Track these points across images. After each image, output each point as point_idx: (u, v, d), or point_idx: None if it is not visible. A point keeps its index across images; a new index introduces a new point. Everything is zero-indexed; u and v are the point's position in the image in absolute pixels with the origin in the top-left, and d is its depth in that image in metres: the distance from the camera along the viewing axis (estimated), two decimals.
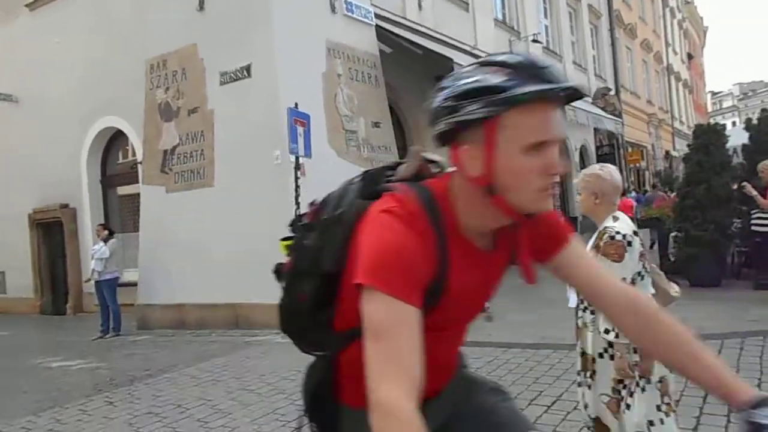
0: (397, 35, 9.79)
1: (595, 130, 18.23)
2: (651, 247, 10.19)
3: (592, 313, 2.42)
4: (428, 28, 10.92)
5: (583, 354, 2.48)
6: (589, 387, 2.44)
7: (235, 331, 7.74)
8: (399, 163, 1.17)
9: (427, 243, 0.98)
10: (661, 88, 28.87)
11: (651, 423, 2.25)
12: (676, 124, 31.25)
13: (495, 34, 13.45)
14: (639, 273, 2.35)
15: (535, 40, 14.79)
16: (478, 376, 1.39)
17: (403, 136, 11.22)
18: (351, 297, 0.98)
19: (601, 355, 2.37)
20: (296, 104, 7.33)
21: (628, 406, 2.28)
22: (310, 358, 1.25)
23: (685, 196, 7.95)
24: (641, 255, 2.35)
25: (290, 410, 4.17)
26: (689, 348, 1.06)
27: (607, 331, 2.23)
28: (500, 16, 14.21)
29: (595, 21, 20.32)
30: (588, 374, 2.45)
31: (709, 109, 57.82)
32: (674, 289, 2.55)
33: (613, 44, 20.89)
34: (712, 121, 29.86)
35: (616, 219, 2.37)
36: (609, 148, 19.98)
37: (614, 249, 2.26)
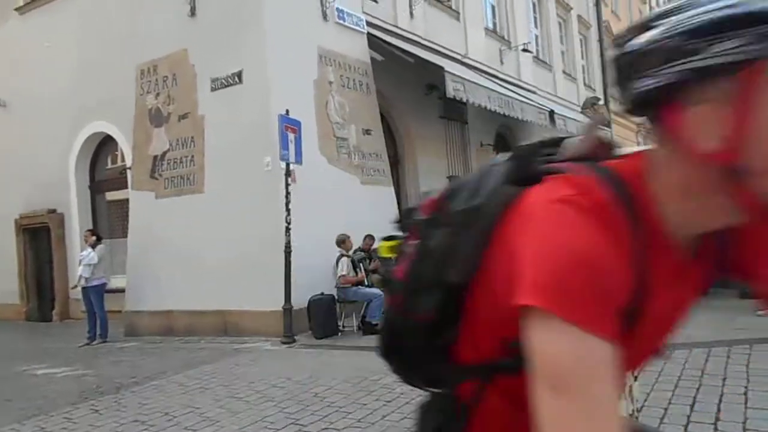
0: (388, 43, 9.85)
1: None
2: None
3: None
4: (419, 37, 10.99)
5: None
6: None
7: (224, 338, 7.68)
8: (560, 139, 0.85)
9: (623, 248, 0.67)
10: None
11: None
12: None
13: (486, 43, 13.55)
14: None
15: (525, 50, 14.92)
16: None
17: (394, 144, 11.26)
18: (486, 319, 0.76)
19: None
20: (287, 111, 7.34)
21: None
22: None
23: None
24: None
25: (279, 418, 4.14)
26: None
27: None
28: (491, 26, 14.32)
29: (585, 32, 20.54)
30: None
31: None
32: None
33: (602, 54, 21.09)
34: None
35: None
36: None
37: None
